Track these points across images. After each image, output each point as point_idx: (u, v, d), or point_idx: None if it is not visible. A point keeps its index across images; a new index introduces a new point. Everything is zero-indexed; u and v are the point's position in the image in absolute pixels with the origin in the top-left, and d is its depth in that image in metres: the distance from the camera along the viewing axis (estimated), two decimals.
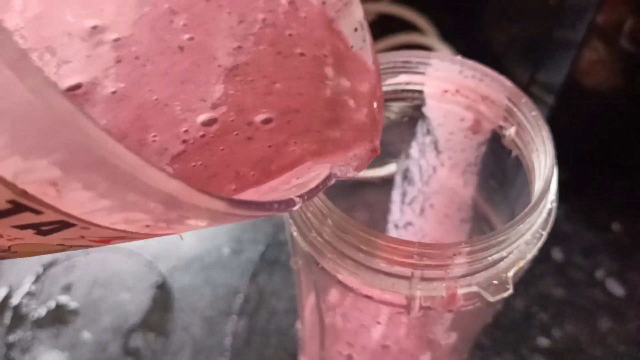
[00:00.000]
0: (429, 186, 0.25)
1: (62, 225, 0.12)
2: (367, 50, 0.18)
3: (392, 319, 0.19)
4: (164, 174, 0.11)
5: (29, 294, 0.41)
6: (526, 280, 0.40)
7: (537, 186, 0.19)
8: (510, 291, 0.17)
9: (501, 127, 0.21)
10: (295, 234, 0.19)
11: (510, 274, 0.18)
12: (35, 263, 0.43)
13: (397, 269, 0.17)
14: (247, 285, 0.41)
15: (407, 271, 0.17)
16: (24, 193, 0.11)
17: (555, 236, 0.42)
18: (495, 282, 0.17)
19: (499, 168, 0.22)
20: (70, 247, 0.14)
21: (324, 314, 0.22)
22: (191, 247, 0.44)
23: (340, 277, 0.18)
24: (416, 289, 0.17)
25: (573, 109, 0.42)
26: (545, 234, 0.19)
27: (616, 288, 0.40)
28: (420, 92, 0.22)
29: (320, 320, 0.22)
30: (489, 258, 0.17)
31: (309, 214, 0.18)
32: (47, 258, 0.43)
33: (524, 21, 0.43)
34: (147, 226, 0.13)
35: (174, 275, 0.42)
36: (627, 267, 0.41)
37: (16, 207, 0.12)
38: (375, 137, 0.16)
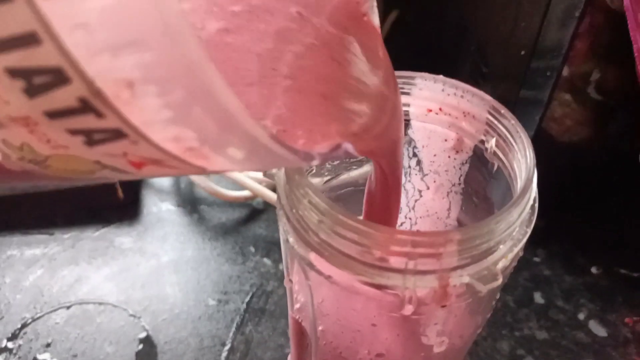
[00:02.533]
0: (415, 211, 0.26)
1: (115, 135, 0.13)
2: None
3: (386, 321, 0.20)
4: (232, 92, 0.11)
5: (7, 350, 0.40)
6: (510, 323, 0.41)
7: (520, 183, 0.20)
8: (499, 281, 0.18)
9: (482, 142, 0.23)
10: (291, 239, 0.20)
11: (499, 266, 0.18)
12: (14, 319, 0.42)
13: (392, 261, 0.17)
14: (233, 336, 0.41)
15: (401, 262, 0.18)
16: (98, 92, 0.11)
17: (537, 281, 0.43)
18: (485, 273, 0.18)
19: (482, 185, 0.23)
20: (103, 169, 0.14)
21: (317, 323, 0.22)
22: (176, 299, 0.43)
23: (335, 277, 0.19)
24: (410, 282, 0.18)
25: (546, 159, 0.44)
26: (529, 230, 0.20)
27: (599, 329, 0.40)
28: (406, 112, 0.23)
29: (315, 339, 0.23)
30: (479, 247, 0.18)
31: (306, 213, 0.19)
32: (26, 313, 0.42)
33: (496, 78, 0.45)
34: (190, 149, 0.13)
35: (159, 328, 0.41)
36: (607, 308, 0.41)
37: (83, 107, 0.12)
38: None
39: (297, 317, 0.24)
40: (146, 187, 0.51)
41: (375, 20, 0.20)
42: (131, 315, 0.42)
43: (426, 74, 0.23)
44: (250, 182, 0.47)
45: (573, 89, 0.41)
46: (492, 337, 0.39)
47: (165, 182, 0.52)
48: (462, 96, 0.22)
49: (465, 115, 0.23)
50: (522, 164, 0.20)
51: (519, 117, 0.43)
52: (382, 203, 0.21)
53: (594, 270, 0.44)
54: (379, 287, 0.18)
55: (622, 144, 0.42)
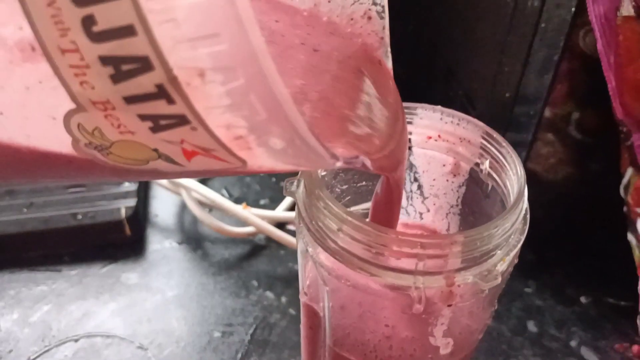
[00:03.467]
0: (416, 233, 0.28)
1: (179, 121, 0.14)
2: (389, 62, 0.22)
3: (398, 322, 0.22)
4: (283, 83, 0.13)
5: None
6: (506, 351, 0.42)
7: (513, 196, 0.22)
8: (499, 280, 0.20)
9: (478, 164, 0.25)
10: (310, 249, 0.22)
11: (498, 267, 0.21)
12: (22, 353, 0.43)
13: (403, 262, 0.20)
14: None
15: (412, 263, 0.20)
16: (174, 79, 0.13)
17: (529, 310, 0.45)
18: (486, 273, 0.20)
19: (478, 204, 0.26)
20: (157, 159, 0.16)
21: (333, 331, 0.24)
22: (182, 332, 0.45)
23: (352, 280, 0.21)
24: (420, 282, 0.20)
25: (532, 196, 0.47)
26: (522, 238, 0.22)
27: (591, 356, 0.42)
28: (409, 139, 0.26)
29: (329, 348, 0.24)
30: (480, 249, 0.20)
31: (326, 222, 0.21)
32: (34, 347, 0.43)
33: (483, 120, 0.48)
34: (238, 138, 0.15)
35: None
36: (598, 336, 0.43)
37: (158, 93, 0.13)
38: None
39: (311, 328, 0.26)
40: (151, 225, 0.53)
41: (389, 63, 0.23)
42: (138, 347, 0.43)
43: (426, 105, 0.25)
44: (253, 218, 0.49)
45: (555, 129, 0.44)
46: None
47: (169, 220, 0.54)
48: (458, 124, 0.25)
49: (461, 141, 0.25)
50: (514, 181, 0.23)
51: None
52: (386, 209, 0.23)
53: (583, 299, 0.46)
54: (391, 287, 0.20)
55: (604, 179, 0.45)
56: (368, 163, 0.20)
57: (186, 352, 0.43)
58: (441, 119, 0.25)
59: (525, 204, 0.22)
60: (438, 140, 0.26)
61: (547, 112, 0.43)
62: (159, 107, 0.14)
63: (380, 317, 0.22)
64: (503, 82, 0.43)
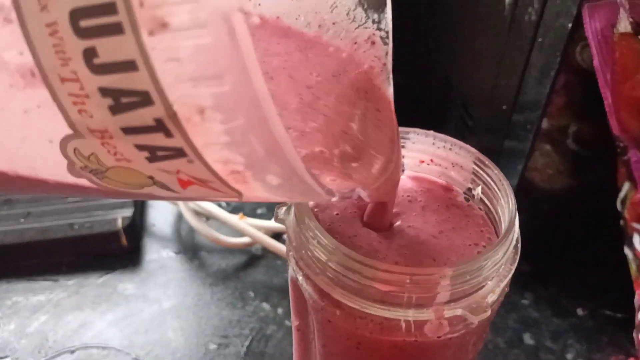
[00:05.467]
0: None
1: (176, 153, 0.14)
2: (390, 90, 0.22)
3: (389, 352, 0.22)
4: (284, 126, 0.13)
5: None
6: None
7: (504, 226, 0.22)
8: (488, 313, 0.20)
9: (470, 189, 0.25)
10: (300, 277, 0.22)
11: (488, 299, 0.21)
12: None
13: (393, 295, 0.20)
14: None
15: (402, 296, 0.20)
16: (174, 115, 0.13)
17: (525, 323, 0.45)
18: (475, 306, 0.20)
19: None
20: (152, 185, 0.16)
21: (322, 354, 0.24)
22: (178, 344, 0.45)
23: (341, 311, 0.21)
24: (409, 314, 0.20)
25: (529, 208, 0.47)
26: (513, 268, 0.22)
27: None
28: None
29: None
30: (469, 282, 0.20)
31: (315, 253, 0.21)
32: (30, 358, 0.43)
33: (480, 131, 0.48)
34: (234, 172, 0.15)
35: None
36: (594, 348, 0.43)
37: (157, 126, 0.14)
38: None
39: (302, 351, 0.26)
40: (148, 235, 0.53)
41: (389, 90, 0.23)
42: (134, 359, 0.43)
43: (418, 130, 0.25)
44: (250, 228, 0.49)
45: (552, 141, 0.44)
46: None
47: (166, 230, 0.54)
48: (450, 149, 0.25)
49: (453, 166, 0.25)
50: (505, 208, 0.23)
51: (504, 167, 0.45)
52: (380, 216, 0.23)
53: (579, 312, 0.46)
54: (378, 322, 0.20)
55: (601, 191, 0.45)
56: (364, 194, 0.20)
57: None
58: (433, 143, 0.25)
59: (516, 233, 0.22)
60: (430, 165, 0.26)
61: (545, 124, 0.43)
62: (157, 139, 0.14)
63: (372, 348, 0.22)
64: (500, 94, 0.43)
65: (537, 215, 0.46)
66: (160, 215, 0.55)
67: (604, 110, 0.38)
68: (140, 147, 0.14)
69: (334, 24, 0.24)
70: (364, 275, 0.20)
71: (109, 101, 0.13)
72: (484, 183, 0.24)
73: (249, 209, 0.54)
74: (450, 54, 0.51)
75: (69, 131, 0.15)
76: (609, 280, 0.48)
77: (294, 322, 0.26)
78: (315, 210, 0.24)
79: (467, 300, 0.20)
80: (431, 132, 0.25)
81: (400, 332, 0.20)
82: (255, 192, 0.16)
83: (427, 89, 0.55)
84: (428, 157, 0.26)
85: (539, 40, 0.38)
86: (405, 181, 0.26)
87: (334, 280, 0.21)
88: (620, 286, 0.44)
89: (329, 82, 0.22)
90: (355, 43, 0.24)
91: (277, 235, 0.51)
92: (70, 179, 0.17)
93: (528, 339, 0.44)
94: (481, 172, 0.24)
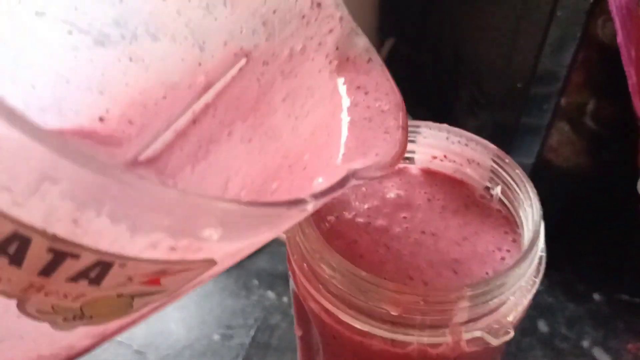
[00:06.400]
0: None
1: (103, 266, 0.13)
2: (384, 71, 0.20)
3: None
4: (159, 185, 0.12)
5: None
6: (514, 353, 0.41)
7: (527, 236, 0.20)
8: (512, 334, 0.18)
9: (488, 188, 0.23)
10: (302, 293, 0.20)
11: (510, 318, 0.19)
12: None
13: (405, 317, 0.18)
14: None
15: (414, 318, 0.18)
16: (55, 237, 0.12)
17: (539, 309, 0.43)
18: (496, 326, 0.18)
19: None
20: (134, 299, 0.15)
21: None
22: (180, 335, 0.43)
23: (346, 330, 0.19)
24: (423, 337, 0.18)
25: (545, 188, 0.45)
26: (537, 281, 0.20)
27: (603, 356, 0.40)
28: (411, 159, 0.24)
29: None
30: (490, 302, 0.18)
31: (317, 268, 0.19)
32: None
33: (493, 108, 0.46)
34: (173, 249, 0.13)
35: None
36: (610, 335, 0.42)
37: (56, 256, 0.13)
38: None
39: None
40: None
41: (360, 41, 0.21)
42: (136, 351, 0.42)
43: (430, 123, 0.23)
44: None
45: (570, 119, 0.42)
46: None
47: None
48: (466, 144, 0.23)
49: (470, 163, 0.23)
50: (528, 214, 0.21)
51: (520, 145, 0.43)
52: None
53: (596, 297, 0.44)
54: (391, 343, 0.18)
55: (619, 173, 0.43)
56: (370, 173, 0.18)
57: (184, 356, 0.42)
58: (447, 138, 0.23)
59: (541, 244, 0.20)
60: (444, 161, 0.24)
61: (562, 102, 0.40)
62: (72, 265, 0.13)
63: None
64: (516, 69, 0.41)
65: (553, 196, 0.44)
66: None
67: (625, 89, 0.36)
68: (73, 279, 0.14)
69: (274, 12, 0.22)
70: (371, 296, 0.18)
71: (4, 259, 0.13)
72: (503, 183, 0.22)
73: None
74: (461, 28, 0.48)
75: (13, 301, 0.14)
76: (626, 264, 0.46)
77: (297, 331, 0.24)
78: (313, 215, 0.22)
79: (488, 319, 0.18)
80: (445, 125, 0.23)
81: (413, 355, 0.18)
82: (224, 249, 0.15)
83: (436, 61, 0.52)
84: (441, 152, 0.24)
85: (558, 14, 0.35)
86: (419, 175, 0.24)
87: (338, 298, 0.19)
88: (637, 270, 0.43)
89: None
90: (304, 17, 0.21)
91: None
92: (66, 337, 0.16)
93: (542, 325, 0.43)
94: (500, 170, 0.22)
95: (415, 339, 0.18)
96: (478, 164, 0.23)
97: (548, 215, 0.41)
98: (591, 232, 0.47)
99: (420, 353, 0.18)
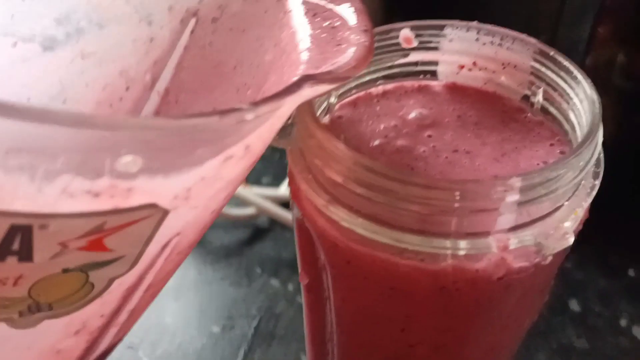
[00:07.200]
0: None
1: (22, 233, 0.12)
2: None
3: (421, 306, 0.16)
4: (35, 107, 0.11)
5: None
6: (544, 333, 0.37)
7: (582, 130, 0.17)
8: (571, 240, 0.15)
9: (527, 97, 0.20)
10: (308, 213, 0.17)
11: (567, 224, 0.15)
12: None
13: (437, 220, 0.14)
14: None
15: (449, 222, 0.14)
16: None
17: (569, 285, 0.40)
18: (551, 232, 0.15)
19: None
20: (87, 274, 0.14)
21: (341, 323, 0.19)
22: (177, 329, 0.40)
23: (363, 248, 0.15)
24: (459, 248, 0.14)
25: None
26: (597, 183, 0.17)
27: None
28: (433, 72, 0.20)
29: (338, 338, 0.19)
30: (543, 199, 0.14)
31: (326, 175, 0.15)
32: None
33: None
34: (95, 195, 0.12)
35: None
36: None
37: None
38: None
39: (315, 317, 0.21)
40: None
41: None
42: (129, 347, 0.38)
43: (457, 22, 0.20)
44: (255, 197, 0.44)
45: (597, 78, 0.39)
46: (526, 348, 0.36)
47: None
48: (500, 44, 0.19)
49: (504, 67, 0.20)
50: (581, 109, 0.17)
51: None
52: None
53: (631, 272, 0.40)
54: (417, 259, 0.15)
55: None
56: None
57: (182, 350, 0.38)
58: (477, 39, 0.20)
59: (600, 138, 0.17)
60: (473, 70, 0.20)
61: (588, 60, 0.38)
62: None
63: (406, 296, 0.16)
64: (537, 24, 0.38)
65: None
66: None
67: None
68: None
69: None
70: (395, 197, 0.14)
71: None
72: (547, 84, 0.19)
73: (254, 179, 0.49)
74: None
75: None
76: None
77: (302, 280, 0.21)
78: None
79: (539, 227, 0.15)
80: (474, 23, 0.20)
81: (447, 273, 0.15)
82: (163, 189, 0.13)
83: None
84: (470, 59, 0.20)
85: None
86: (444, 93, 0.20)
87: (353, 209, 0.15)
88: None
89: None
90: None
91: (285, 205, 0.46)
92: (37, 338, 0.16)
93: (574, 304, 0.39)
94: (543, 68, 0.19)
95: (450, 250, 0.14)
96: (515, 66, 0.19)
97: None
98: (625, 201, 0.43)
99: (456, 271, 0.15)
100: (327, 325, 0.20)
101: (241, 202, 0.45)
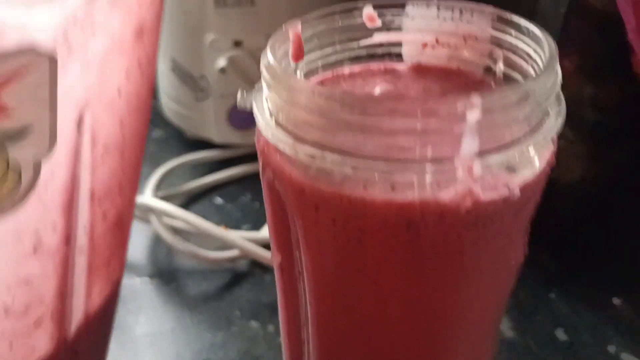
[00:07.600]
0: None
1: None
2: None
3: (391, 245, 0.16)
4: None
5: None
6: None
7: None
8: (536, 167, 0.15)
9: (489, 69, 0.20)
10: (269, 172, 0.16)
11: (533, 150, 0.15)
12: None
13: (400, 145, 0.14)
14: None
15: (411, 146, 0.14)
16: None
17: (557, 317, 0.39)
18: (518, 157, 0.15)
19: None
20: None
21: (314, 291, 0.18)
22: None
23: (329, 188, 0.15)
24: (425, 172, 0.14)
25: (550, 202, 0.41)
26: (561, 121, 0.17)
27: None
28: (398, 55, 0.21)
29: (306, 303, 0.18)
30: (508, 123, 0.14)
31: (288, 113, 0.15)
32: None
33: None
34: None
35: None
36: (637, 339, 0.37)
37: None
38: None
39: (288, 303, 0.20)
40: None
41: None
42: None
43: (416, 0, 0.20)
44: (236, 238, 0.43)
45: (567, 115, 0.39)
46: None
47: (139, 254, 0.48)
48: (459, 18, 0.20)
49: (466, 41, 0.20)
50: (539, 60, 0.17)
51: None
52: None
53: (615, 301, 0.40)
54: (383, 191, 0.15)
55: (630, 167, 0.40)
56: None
57: None
58: (438, 16, 0.20)
59: (559, 71, 0.17)
60: (436, 47, 0.21)
61: None
62: None
63: (367, 247, 0.16)
64: None
65: (558, 210, 0.40)
66: (133, 239, 0.49)
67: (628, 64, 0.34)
68: None
69: None
70: (358, 121, 0.14)
71: None
72: (506, 49, 0.19)
73: (233, 225, 0.49)
74: None
75: None
76: None
77: (274, 258, 0.20)
78: None
79: (505, 154, 0.15)
80: (434, 0, 0.20)
81: (414, 206, 0.14)
82: (34, 22, 0.13)
83: None
84: (432, 36, 0.21)
85: None
86: (409, 74, 0.21)
87: (318, 143, 0.15)
88: None
89: None
90: None
91: (266, 246, 0.45)
92: None
93: (561, 334, 0.38)
94: (502, 35, 0.19)
95: (416, 175, 0.14)
96: (476, 38, 0.20)
97: (556, 229, 0.37)
98: (603, 239, 0.43)
99: (423, 204, 0.14)
100: (302, 307, 0.19)
101: (222, 244, 0.44)
